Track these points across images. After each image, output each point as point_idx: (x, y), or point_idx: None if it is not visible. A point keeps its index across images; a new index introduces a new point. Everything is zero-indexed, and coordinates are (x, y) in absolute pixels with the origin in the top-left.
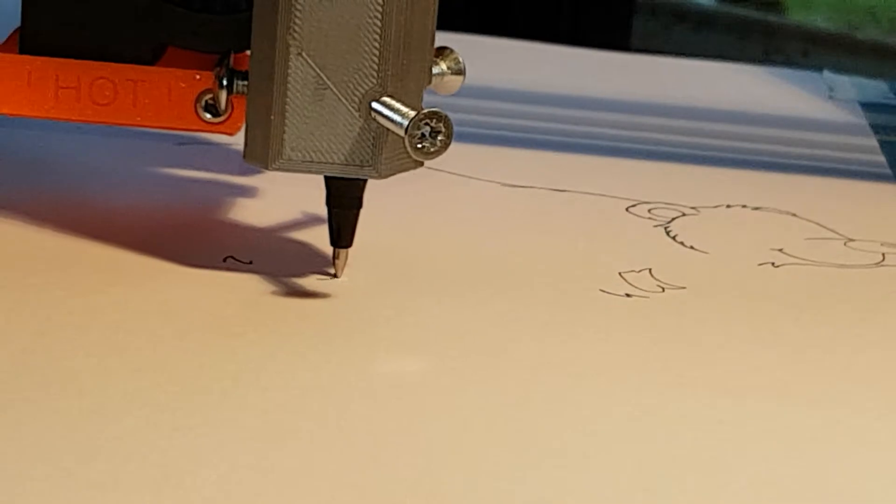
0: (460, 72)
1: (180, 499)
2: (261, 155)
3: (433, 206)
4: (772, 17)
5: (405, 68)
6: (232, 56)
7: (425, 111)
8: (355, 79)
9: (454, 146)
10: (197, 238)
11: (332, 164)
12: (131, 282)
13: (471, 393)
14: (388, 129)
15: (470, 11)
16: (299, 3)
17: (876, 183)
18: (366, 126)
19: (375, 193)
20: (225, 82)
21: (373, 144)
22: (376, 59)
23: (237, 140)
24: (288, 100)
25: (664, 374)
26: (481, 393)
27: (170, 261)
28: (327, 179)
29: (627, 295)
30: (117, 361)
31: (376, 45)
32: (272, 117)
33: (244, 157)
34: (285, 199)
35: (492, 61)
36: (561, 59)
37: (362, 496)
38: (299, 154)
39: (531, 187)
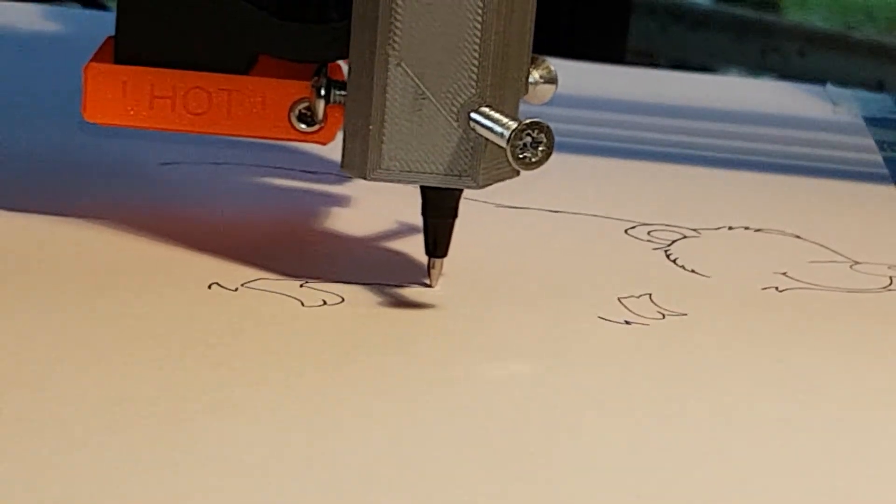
0: (553, 80)
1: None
2: (359, 165)
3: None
4: (769, 17)
5: (503, 78)
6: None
7: (527, 121)
8: (454, 89)
9: None
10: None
11: (431, 174)
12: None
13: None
14: (487, 139)
15: None
16: (399, 14)
17: (880, 198)
18: (464, 136)
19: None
20: (323, 92)
21: (471, 154)
22: (475, 69)
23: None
24: (387, 110)
25: (664, 406)
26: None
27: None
28: (423, 189)
29: (627, 322)
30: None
31: (475, 55)
32: (371, 127)
33: (341, 166)
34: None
35: None
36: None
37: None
38: (397, 164)
39: (527, 208)
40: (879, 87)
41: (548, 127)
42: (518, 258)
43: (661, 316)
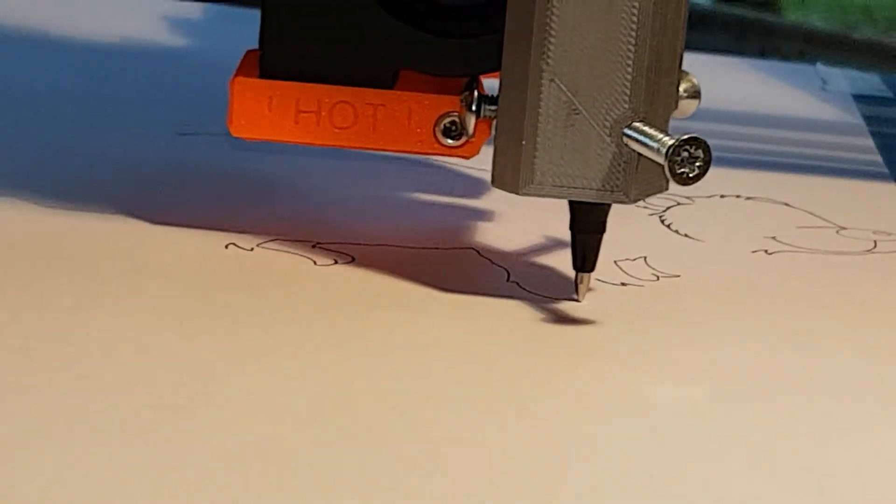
0: (696, 95)
1: None
2: (510, 180)
3: (434, 195)
4: (768, 17)
5: (655, 92)
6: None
7: (685, 137)
8: (607, 104)
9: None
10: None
11: (583, 189)
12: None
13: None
14: (640, 154)
15: None
16: (554, 30)
17: (868, 173)
18: (617, 151)
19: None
20: (474, 107)
21: (624, 169)
22: (628, 84)
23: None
24: (539, 125)
25: (661, 362)
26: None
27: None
28: (572, 204)
29: (623, 284)
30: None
31: (629, 70)
32: (523, 143)
33: (492, 182)
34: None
35: None
36: None
37: None
38: (550, 179)
39: None
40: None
41: (705, 143)
42: (514, 223)
43: (655, 278)
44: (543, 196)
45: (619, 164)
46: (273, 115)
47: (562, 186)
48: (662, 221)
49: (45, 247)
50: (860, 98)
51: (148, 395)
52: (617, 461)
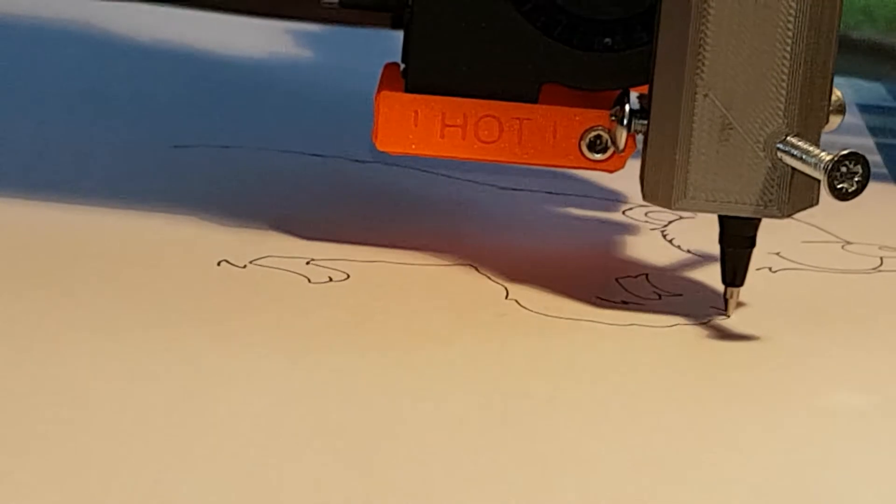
0: (842, 109)
1: None
2: (663, 195)
3: (433, 209)
4: None
5: (808, 107)
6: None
7: (844, 152)
8: (761, 119)
9: None
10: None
11: (736, 203)
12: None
13: None
14: (795, 169)
15: None
16: (708, 45)
17: (873, 184)
18: (772, 166)
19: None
20: (625, 121)
21: (779, 184)
22: (783, 99)
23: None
24: (693, 140)
25: (659, 389)
26: None
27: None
28: (722, 219)
29: (624, 302)
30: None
31: (783, 85)
32: (676, 157)
33: (644, 197)
34: (516, 238)
35: None
36: None
37: None
38: (703, 194)
39: (526, 190)
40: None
41: (864, 158)
42: (515, 238)
43: (657, 296)
44: (696, 211)
45: (773, 179)
46: (419, 129)
47: (715, 201)
48: (664, 236)
49: (31, 262)
50: (864, 108)
51: (136, 416)
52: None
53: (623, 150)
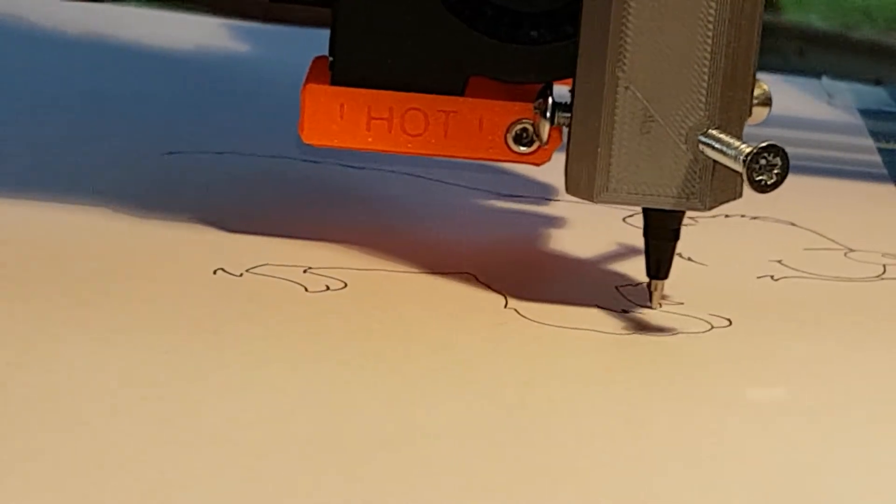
0: (768, 102)
1: None
2: (585, 187)
3: (432, 215)
4: (767, 17)
5: (730, 100)
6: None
7: (763, 144)
8: (683, 111)
9: None
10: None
11: (659, 196)
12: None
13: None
14: (717, 162)
15: None
16: (629, 38)
17: (875, 190)
18: (694, 159)
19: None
20: (548, 114)
21: (700, 177)
22: (704, 92)
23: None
24: (615, 133)
25: (660, 399)
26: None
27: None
28: (646, 212)
29: (624, 311)
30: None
31: (704, 77)
32: (598, 150)
33: (566, 189)
34: (514, 246)
35: None
36: None
37: None
38: (625, 186)
39: (525, 196)
40: (877, 85)
41: (783, 150)
42: (514, 246)
43: (658, 305)
44: (619, 203)
45: (695, 172)
46: (345, 122)
47: (637, 193)
48: None
49: (26, 270)
50: (866, 112)
51: (132, 425)
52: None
53: (547, 143)
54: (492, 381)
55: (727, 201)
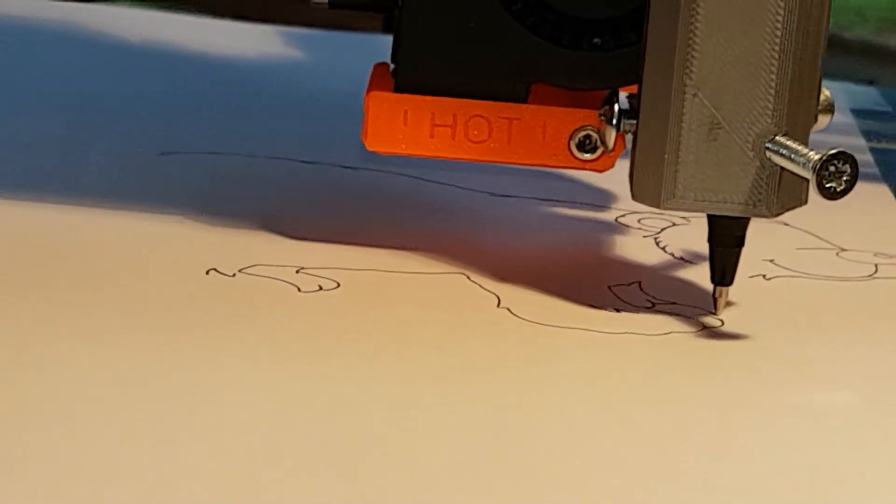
0: (830, 108)
1: None
2: (652, 194)
3: (425, 216)
4: None
5: (797, 107)
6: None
7: (832, 151)
8: (750, 118)
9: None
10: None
11: (725, 203)
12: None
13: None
14: (784, 169)
15: None
16: (697, 44)
17: (867, 189)
18: (760, 166)
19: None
20: (614, 121)
21: (767, 184)
22: (772, 99)
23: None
24: (682, 140)
25: (653, 398)
26: None
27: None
28: (711, 218)
29: (616, 310)
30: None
31: (772, 84)
32: (665, 157)
33: (633, 196)
34: (508, 245)
35: None
36: None
37: None
38: (692, 193)
39: (519, 197)
40: (871, 85)
41: (852, 157)
42: (507, 245)
43: (650, 304)
44: (686, 210)
45: (762, 179)
46: (409, 129)
47: (704, 200)
48: (657, 243)
49: (18, 270)
50: (858, 112)
51: (124, 425)
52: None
53: (612, 150)
54: (486, 382)
55: (793, 208)
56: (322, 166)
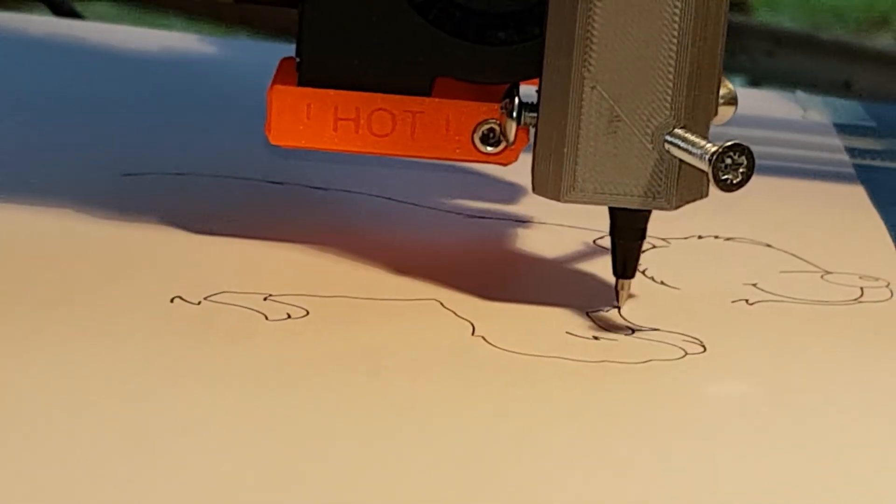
0: (733, 101)
1: None
2: (552, 187)
3: (398, 238)
4: (737, 18)
5: (696, 99)
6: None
7: (728, 143)
8: (649, 111)
9: (416, 173)
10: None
11: (625, 195)
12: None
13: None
14: (683, 161)
15: None
16: (595, 38)
17: (851, 208)
18: (659, 158)
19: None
20: (514, 114)
21: (666, 176)
22: (670, 92)
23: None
24: (581, 132)
25: (632, 429)
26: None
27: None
28: (613, 211)
29: (595, 338)
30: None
31: (670, 77)
32: (565, 150)
33: (533, 189)
34: (480, 271)
35: None
36: None
37: None
38: (591, 186)
39: (494, 217)
40: (846, 87)
41: (748, 149)
42: (481, 271)
43: (630, 331)
44: (585, 203)
45: (661, 171)
46: (312, 122)
47: (603, 193)
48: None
49: None
50: (841, 127)
51: (85, 455)
52: None
53: (514, 143)
54: (459, 414)
55: (693, 200)
56: (291, 187)
